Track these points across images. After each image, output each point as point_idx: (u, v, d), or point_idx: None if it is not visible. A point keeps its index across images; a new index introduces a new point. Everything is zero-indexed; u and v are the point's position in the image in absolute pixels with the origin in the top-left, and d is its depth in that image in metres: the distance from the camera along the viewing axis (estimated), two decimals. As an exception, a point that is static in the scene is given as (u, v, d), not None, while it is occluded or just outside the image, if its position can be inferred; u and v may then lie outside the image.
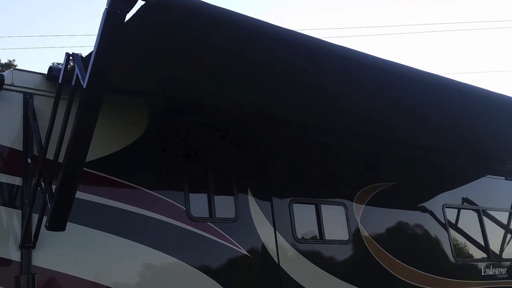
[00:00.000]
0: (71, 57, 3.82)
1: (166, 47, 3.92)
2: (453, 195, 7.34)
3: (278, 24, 3.93)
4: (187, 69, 4.38)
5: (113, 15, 2.98)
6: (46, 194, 3.79)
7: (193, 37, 3.76)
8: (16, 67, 4.77)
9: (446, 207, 7.08)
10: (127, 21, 3.15)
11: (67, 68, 4.03)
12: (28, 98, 4.42)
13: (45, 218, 3.80)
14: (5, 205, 4.11)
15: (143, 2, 3.07)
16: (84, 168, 4.28)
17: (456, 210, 7.27)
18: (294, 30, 4.09)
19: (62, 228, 3.67)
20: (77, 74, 3.52)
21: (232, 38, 3.87)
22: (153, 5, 3.12)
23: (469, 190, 7.60)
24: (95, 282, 4.24)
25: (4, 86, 4.32)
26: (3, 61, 26.39)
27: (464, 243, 7.22)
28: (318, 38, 4.28)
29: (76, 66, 3.58)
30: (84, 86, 3.27)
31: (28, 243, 4.00)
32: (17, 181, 4.20)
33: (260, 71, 4.50)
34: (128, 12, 3.04)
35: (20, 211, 4.13)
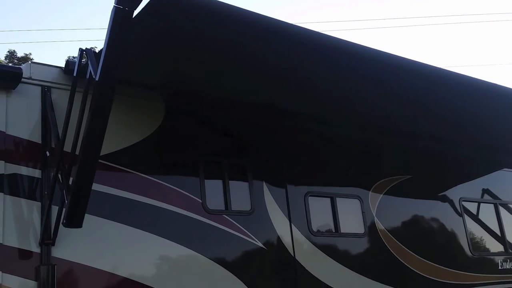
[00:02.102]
0: (84, 52, 3.92)
1: (174, 42, 3.99)
2: (470, 189, 7.28)
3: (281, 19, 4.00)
4: (196, 64, 4.43)
5: (121, 12, 3.08)
6: (64, 190, 3.85)
7: (200, 32, 3.82)
8: (33, 61, 4.81)
9: (463, 200, 7.03)
10: (135, 16, 3.22)
11: (81, 62, 4.11)
12: (46, 91, 4.46)
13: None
14: (25, 197, 4.17)
15: None
16: (101, 161, 4.36)
17: (473, 203, 7.21)
18: (302, 26, 4.15)
19: (78, 224, 3.72)
20: (90, 68, 3.63)
21: (238, 33, 3.93)
22: (159, 1, 3.21)
23: (485, 183, 7.54)
24: (112, 273, 4.29)
25: (22, 80, 4.37)
26: (19, 55, 26.68)
27: (481, 236, 7.17)
28: (325, 34, 4.33)
29: (89, 60, 3.68)
30: (97, 79, 3.36)
31: (47, 239, 4.05)
32: (36, 174, 4.25)
33: (271, 66, 4.54)
34: (135, 9, 3.13)
35: (39, 203, 4.19)
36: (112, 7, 3.09)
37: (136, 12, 3.20)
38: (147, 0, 3.21)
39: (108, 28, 3.18)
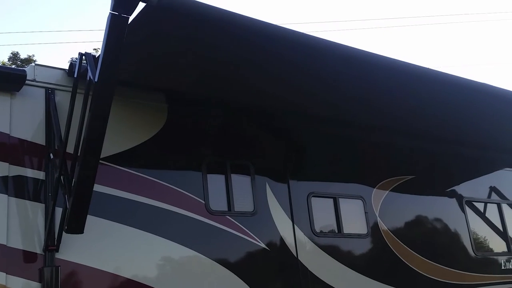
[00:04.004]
0: (84, 56, 4.03)
1: (170, 45, 4.07)
2: (473, 189, 7.28)
3: (275, 23, 4.07)
4: (193, 66, 4.48)
5: (117, 18, 3.17)
6: (66, 195, 3.88)
7: (193, 36, 3.90)
8: (37, 63, 4.84)
9: (466, 200, 7.03)
10: (131, 22, 3.31)
11: (81, 65, 4.19)
12: (50, 94, 4.49)
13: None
14: (29, 199, 4.19)
15: (144, 4, 3.25)
16: (104, 162, 4.38)
17: (476, 203, 7.21)
18: (294, 29, 4.19)
19: (80, 230, 3.78)
20: (89, 71, 3.74)
21: (231, 38, 4.00)
22: (154, 7, 3.30)
23: (488, 183, 7.54)
24: (116, 275, 4.31)
25: (26, 82, 4.39)
26: (22, 57, 26.73)
27: (484, 236, 7.17)
28: (318, 37, 4.36)
29: (88, 65, 3.79)
30: (95, 81, 3.46)
31: (51, 245, 4.06)
32: (40, 176, 4.27)
33: (266, 69, 4.57)
34: (130, 15, 3.22)
35: (43, 205, 4.21)
36: (108, 13, 3.18)
37: (131, 18, 3.28)
38: (141, 6, 3.30)
39: (105, 33, 3.28)
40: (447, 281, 6.34)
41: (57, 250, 4.07)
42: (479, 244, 7.02)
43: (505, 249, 7.25)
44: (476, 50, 57.93)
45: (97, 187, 4.24)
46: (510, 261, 7.16)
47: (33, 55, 27.35)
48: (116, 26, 3.20)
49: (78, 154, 3.72)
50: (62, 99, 4.49)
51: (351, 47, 4.46)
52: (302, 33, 4.18)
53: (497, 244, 7.24)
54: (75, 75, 4.23)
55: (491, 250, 7.18)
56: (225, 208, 5.02)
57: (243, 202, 5.14)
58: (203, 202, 4.88)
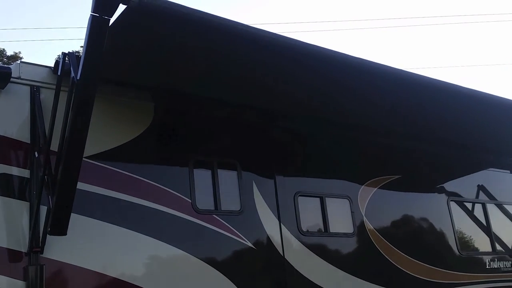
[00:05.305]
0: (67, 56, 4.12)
1: (152, 46, 4.12)
2: (458, 188, 7.34)
3: (258, 25, 4.12)
4: (177, 66, 4.50)
5: (98, 20, 3.21)
6: (49, 196, 3.87)
7: (178, 37, 3.95)
8: (23, 60, 4.81)
9: (451, 200, 7.10)
10: (112, 23, 3.36)
11: (65, 64, 4.24)
12: (35, 91, 4.46)
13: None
14: (14, 197, 4.16)
15: (125, 6, 3.32)
16: (90, 160, 4.37)
17: (461, 203, 7.28)
18: (273, 32, 4.24)
19: (63, 232, 3.78)
20: (72, 71, 3.80)
21: (213, 38, 4.03)
22: (135, 9, 3.37)
23: (473, 183, 7.61)
24: (101, 273, 4.29)
25: (12, 79, 4.36)
26: (9, 53, 26.50)
27: (469, 236, 7.24)
28: (295, 39, 4.40)
29: (71, 64, 3.84)
30: (77, 81, 3.50)
31: (36, 247, 4.03)
32: (25, 174, 4.24)
33: (252, 68, 4.60)
34: (111, 17, 3.26)
35: (28, 204, 4.18)
36: (89, 15, 3.21)
37: (112, 20, 3.32)
38: (122, 8, 3.36)
39: (86, 35, 3.32)
40: (432, 280, 6.39)
41: (41, 252, 4.05)
42: (464, 244, 7.09)
43: (490, 249, 7.33)
44: (469, 52, 58.47)
45: (83, 186, 4.23)
46: (495, 260, 7.24)
47: (20, 52, 27.13)
48: (97, 27, 3.24)
49: (61, 153, 3.71)
50: (48, 97, 4.45)
51: (325, 48, 4.50)
52: (272, 32, 4.23)
53: (482, 244, 7.32)
54: (59, 72, 4.23)
55: (476, 249, 7.26)
56: (212, 207, 5.02)
57: (230, 201, 5.14)
58: (190, 201, 4.88)
